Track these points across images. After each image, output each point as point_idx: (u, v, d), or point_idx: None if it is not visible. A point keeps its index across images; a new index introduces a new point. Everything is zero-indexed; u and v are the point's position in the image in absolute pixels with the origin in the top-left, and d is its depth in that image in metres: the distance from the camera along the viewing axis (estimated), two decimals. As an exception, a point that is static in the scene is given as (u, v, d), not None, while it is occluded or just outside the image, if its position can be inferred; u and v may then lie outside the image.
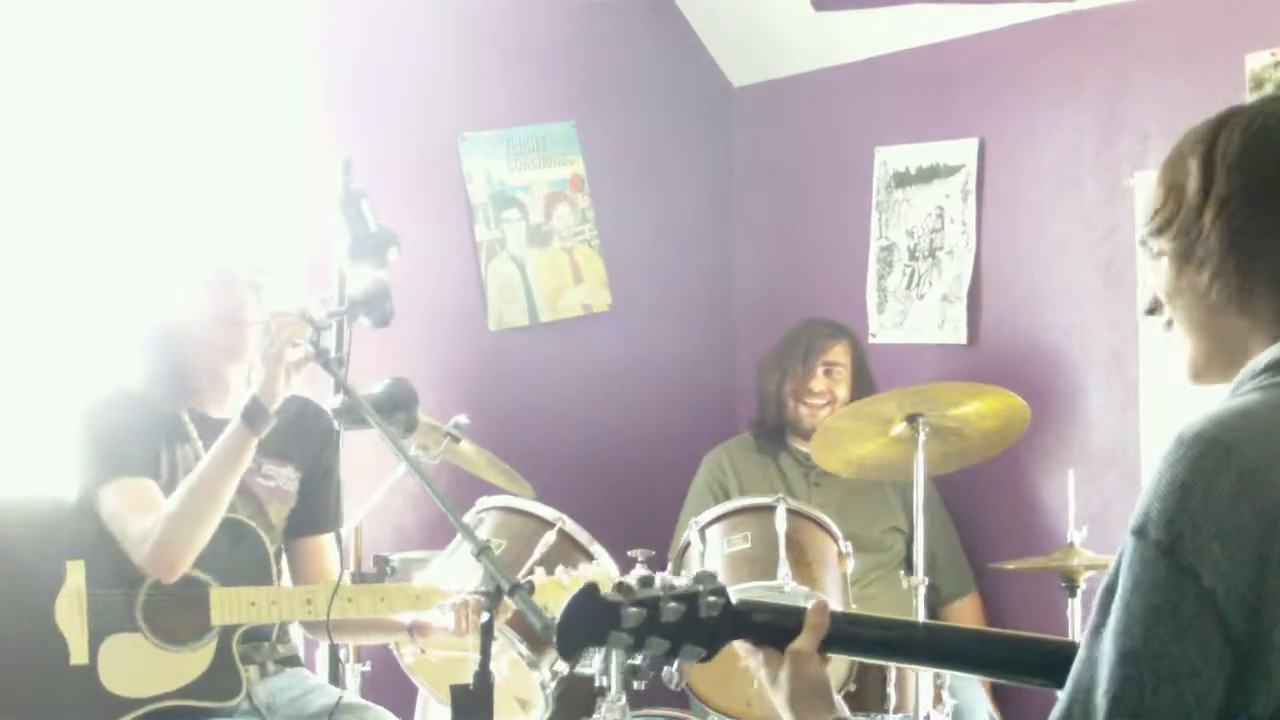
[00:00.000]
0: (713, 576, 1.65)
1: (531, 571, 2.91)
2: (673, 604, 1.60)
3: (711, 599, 1.63)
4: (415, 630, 2.78)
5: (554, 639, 1.61)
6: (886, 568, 3.75)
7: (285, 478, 2.92)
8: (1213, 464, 1.31)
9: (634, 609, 1.58)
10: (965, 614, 3.87)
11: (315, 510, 2.96)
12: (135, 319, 2.85)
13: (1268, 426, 1.34)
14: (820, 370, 3.82)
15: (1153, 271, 1.53)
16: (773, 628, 1.68)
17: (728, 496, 3.46)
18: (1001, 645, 1.81)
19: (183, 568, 2.64)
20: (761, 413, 3.94)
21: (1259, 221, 1.43)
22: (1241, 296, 1.44)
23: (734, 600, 1.65)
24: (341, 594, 2.69)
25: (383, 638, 2.91)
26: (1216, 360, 1.49)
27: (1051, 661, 1.63)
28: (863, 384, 3.84)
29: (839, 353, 3.85)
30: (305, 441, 2.95)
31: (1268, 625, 1.29)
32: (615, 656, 2.97)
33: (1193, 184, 1.47)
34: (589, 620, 1.58)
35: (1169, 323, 1.53)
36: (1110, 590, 1.35)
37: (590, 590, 1.59)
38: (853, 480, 3.75)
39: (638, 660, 1.61)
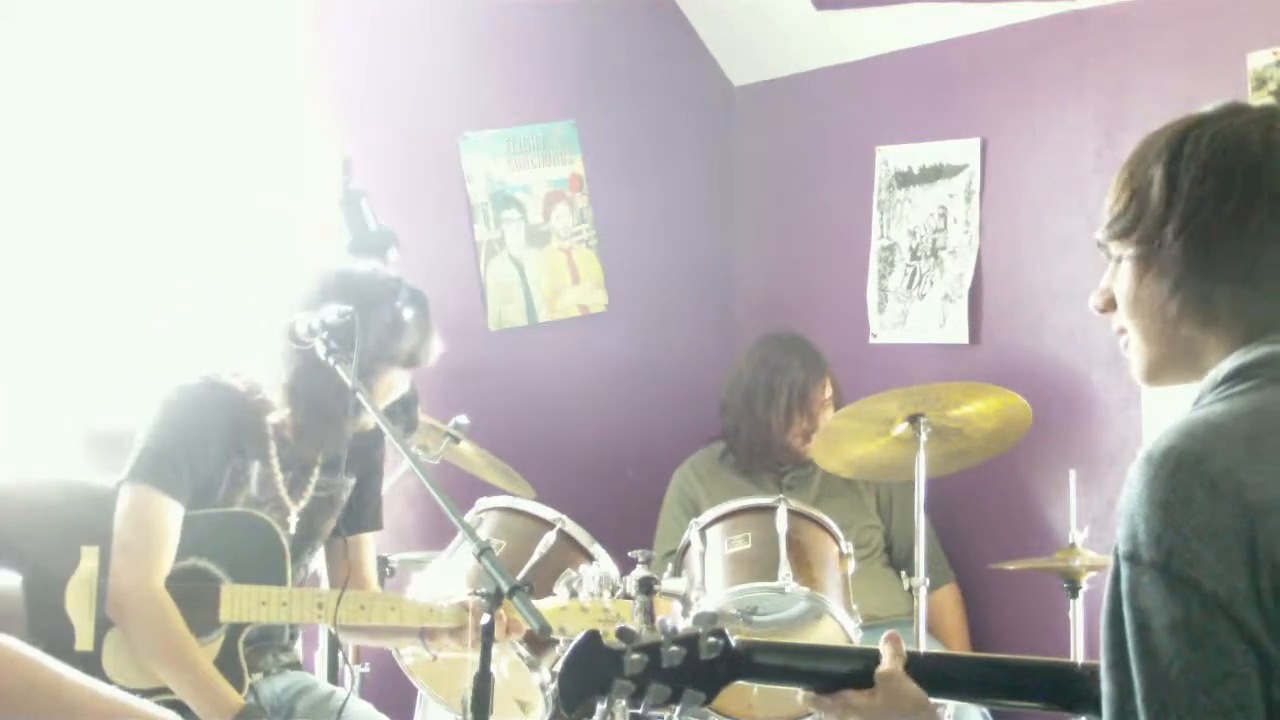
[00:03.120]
0: (713, 617, 1.66)
1: (539, 584, 2.89)
2: (674, 648, 1.62)
3: (711, 640, 1.64)
4: (426, 635, 2.77)
5: (556, 689, 1.62)
6: (866, 560, 3.75)
7: (342, 487, 2.89)
8: (1186, 475, 1.33)
9: (636, 655, 1.59)
10: (946, 603, 3.88)
11: (359, 510, 2.94)
12: (297, 338, 2.67)
13: (1233, 432, 1.37)
14: (820, 411, 3.84)
15: (1110, 274, 1.55)
16: (794, 671, 1.73)
17: (698, 511, 3.45)
18: (1010, 670, 1.82)
19: (119, 624, 2.60)
20: (748, 439, 3.88)
21: (1222, 235, 1.44)
22: (1203, 308, 1.46)
23: (733, 642, 1.66)
24: (355, 600, 2.69)
25: (395, 642, 2.91)
26: (1170, 368, 1.53)
27: (1062, 681, 1.66)
28: (840, 404, 3.89)
29: (829, 385, 3.88)
30: (367, 452, 2.92)
31: (1272, 616, 1.31)
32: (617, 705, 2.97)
33: (1156, 193, 1.47)
34: (591, 669, 1.59)
35: (1121, 329, 1.56)
36: (1115, 621, 1.36)
37: (592, 638, 1.59)
38: (827, 482, 3.79)
39: (640, 709, 1.62)
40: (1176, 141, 1.48)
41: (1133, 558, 1.35)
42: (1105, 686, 1.37)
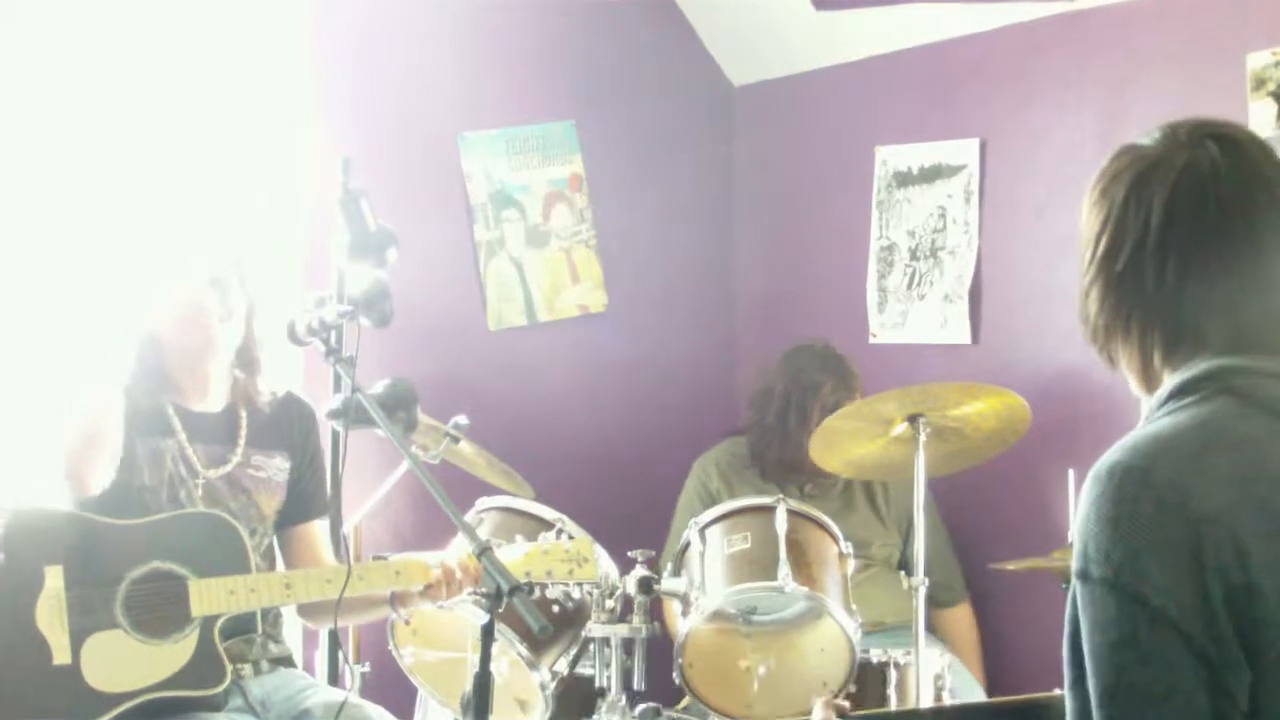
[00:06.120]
0: (656, 710, 1.67)
1: (513, 540, 2.93)
2: None
3: None
4: (396, 601, 2.83)
5: None
6: (880, 567, 3.74)
7: (275, 468, 2.97)
8: (1132, 490, 1.36)
9: None
10: (960, 623, 3.87)
11: (305, 497, 3.02)
12: (124, 322, 2.86)
13: (1179, 444, 1.39)
14: None
15: None
16: None
17: (715, 504, 3.44)
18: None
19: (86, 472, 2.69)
20: (778, 455, 3.79)
21: (1115, 265, 1.49)
22: (1117, 324, 1.52)
23: None
24: (320, 575, 2.73)
25: (370, 614, 2.93)
26: (1133, 376, 1.56)
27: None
28: None
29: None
30: (291, 430, 3.02)
31: (1222, 626, 1.32)
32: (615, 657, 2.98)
33: (1082, 216, 1.56)
34: None
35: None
36: (1074, 642, 1.39)
37: None
38: (848, 492, 3.77)
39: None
40: (1100, 173, 1.55)
41: (1084, 575, 1.37)
42: (1068, 704, 1.39)
